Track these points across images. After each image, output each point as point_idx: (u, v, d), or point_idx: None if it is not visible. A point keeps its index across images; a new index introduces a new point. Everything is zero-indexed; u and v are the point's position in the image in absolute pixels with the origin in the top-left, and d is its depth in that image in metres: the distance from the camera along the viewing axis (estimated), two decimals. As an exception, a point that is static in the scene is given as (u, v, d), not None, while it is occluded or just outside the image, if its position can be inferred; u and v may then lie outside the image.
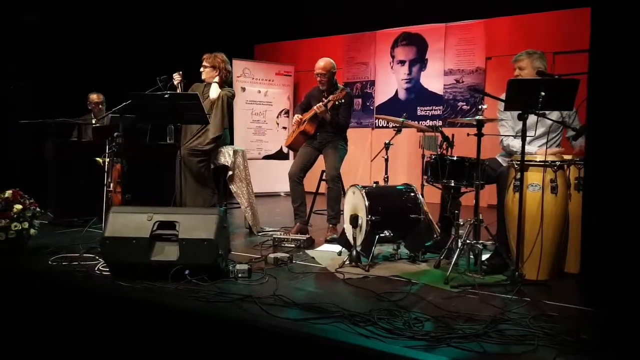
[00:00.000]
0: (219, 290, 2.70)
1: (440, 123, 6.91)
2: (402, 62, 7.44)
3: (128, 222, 2.90)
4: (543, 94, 2.71)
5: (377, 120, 7.63)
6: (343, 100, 4.11)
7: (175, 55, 6.49)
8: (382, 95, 7.61)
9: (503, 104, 3.39)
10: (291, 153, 8.12)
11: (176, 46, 6.75)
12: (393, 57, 7.51)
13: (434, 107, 7.21)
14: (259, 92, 7.80)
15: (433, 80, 7.20)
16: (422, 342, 2.06)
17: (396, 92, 7.52)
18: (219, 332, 2.35)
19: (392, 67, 7.53)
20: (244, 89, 7.65)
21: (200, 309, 2.46)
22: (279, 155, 8.05)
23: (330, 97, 4.15)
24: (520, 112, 2.79)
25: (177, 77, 4.16)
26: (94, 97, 5.65)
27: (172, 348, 2.44)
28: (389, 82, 7.57)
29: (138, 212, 2.95)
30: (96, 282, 2.90)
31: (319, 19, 7.67)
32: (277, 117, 8.04)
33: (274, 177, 7.71)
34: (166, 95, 3.59)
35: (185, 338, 2.40)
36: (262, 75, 7.88)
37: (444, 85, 7.11)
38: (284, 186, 8.05)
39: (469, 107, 6.94)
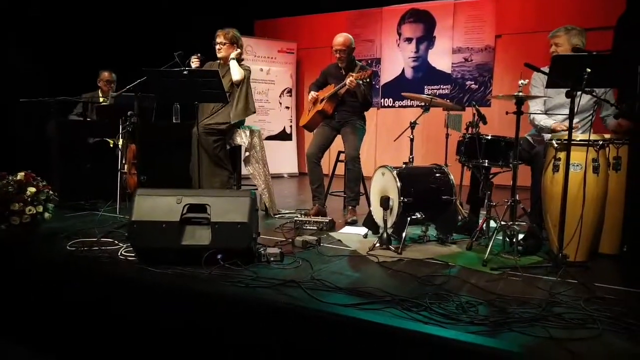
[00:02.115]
0: (256, 275, 2.60)
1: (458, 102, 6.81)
2: (409, 40, 7.30)
3: (156, 206, 2.77)
4: (589, 70, 2.61)
5: (382, 100, 7.51)
6: (368, 80, 3.98)
7: (174, 32, 6.31)
8: (388, 73, 7.48)
9: (537, 79, 3.32)
10: (294, 134, 7.99)
11: (175, 24, 6.54)
12: (400, 34, 7.37)
13: (441, 86, 7.10)
14: (261, 70, 7.62)
15: (441, 58, 7.09)
16: (482, 327, 1.99)
17: (403, 70, 7.39)
18: (263, 318, 2.25)
19: (398, 45, 7.39)
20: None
21: (240, 295, 2.35)
22: (282, 136, 7.91)
23: (356, 76, 4.00)
24: (563, 90, 2.70)
25: (195, 60, 3.98)
26: (105, 74, 5.43)
27: (210, 336, 2.35)
28: (396, 60, 7.43)
29: (165, 195, 2.82)
30: (123, 268, 2.77)
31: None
32: (280, 96, 7.87)
33: (278, 159, 7.58)
34: (185, 72, 3.44)
35: (226, 325, 2.30)
36: (264, 52, 7.69)
37: (452, 63, 7.01)
38: (287, 168, 7.96)
39: (477, 86, 6.84)
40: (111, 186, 4.24)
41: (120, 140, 3.93)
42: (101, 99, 5.32)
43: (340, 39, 4.22)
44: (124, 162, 3.96)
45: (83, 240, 3.28)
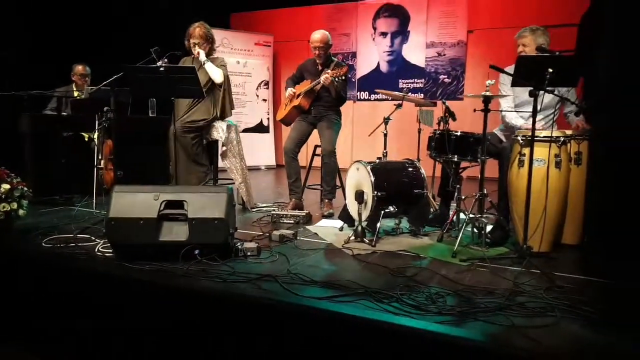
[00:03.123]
0: (233, 270, 2.66)
1: (426, 97, 6.93)
2: (384, 34, 7.39)
3: (133, 202, 2.80)
4: (550, 70, 2.73)
5: (358, 93, 7.60)
6: (343, 77, 4.05)
7: (149, 25, 6.27)
8: (364, 67, 7.56)
9: (506, 77, 3.44)
10: (271, 126, 8.03)
11: (150, 17, 6.49)
12: (375, 28, 7.45)
13: (415, 80, 7.22)
14: (238, 62, 7.62)
15: (415, 52, 7.20)
16: (450, 317, 2.10)
17: (378, 64, 7.48)
18: (241, 312, 2.32)
19: (374, 39, 7.48)
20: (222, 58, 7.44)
21: (218, 290, 2.41)
22: (259, 128, 7.94)
23: (331, 73, 4.06)
24: (528, 88, 2.82)
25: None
26: (79, 68, 5.36)
27: (188, 331, 2.41)
28: (371, 54, 7.52)
29: (143, 192, 2.85)
30: (100, 264, 2.80)
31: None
32: (257, 88, 7.89)
33: (255, 151, 7.62)
34: (162, 68, 3.46)
35: (205, 319, 2.37)
36: (240, 45, 7.69)
37: (426, 57, 7.12)
38: (264, 160, 8.01)
39: (450, 80, 6.98)
40: (87, 181, 4.22)
41: (97, 135, 3.92)
42: (75, 93, 5.26)
43: (317, 35, 4.27)
44: (100, 157, 3.96)
45: (59, 236, 3.28)
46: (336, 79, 4.06)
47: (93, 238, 3.24)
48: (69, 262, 2.85)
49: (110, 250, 2.91)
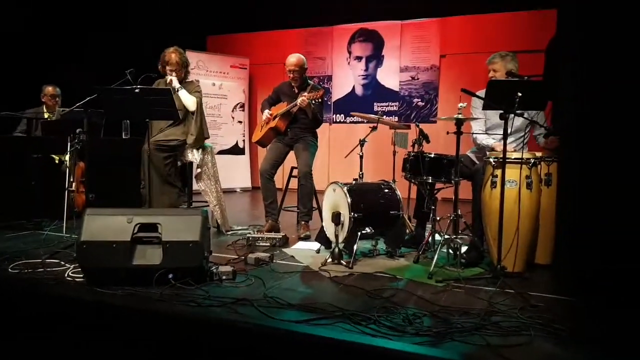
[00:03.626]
0: (207, 294, 2.62)
1: (399, 120, 7.03)
2: (359, 58, 7.51)
3: (106, 225, 2.75)
4: (520, 94, 2.81)
5: (334, 116, 7.67)
6: (320, 100, 4.09)
7: (126, 45, 6.25)
8: (339, 90, 7.66)
9: (477, 101, 3.52)
10: (247, 148, 8.03)
11: (127, 39, 6.48)
12: (350, 52, 7.57)
13: (390, 103, 7.33)
14: (214, 84, 7.62)
15: (389, 76, 7.33)
16: (427, 338, 2.10)
17: (353, 87, 7.58)
18: (216, 337, 2.28)
19: (349, 63, 7.59)
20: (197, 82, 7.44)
21: (193, 315, 2.37)
22: (235, 150, 7.92)
23: (308, 95, 4.09)
24: (499, 111, 2.90)
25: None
26: (49, 89, 5.27)
27: (162, 356, 2.35)
28: (346, 78, 7.62)
29: (116, 215, 2.81)
30: (70, 290, 2.73)
31: (274, 11, 7.59)
32: (233, 110, 7.89)
33: (230, 173, 7.58)
34: (136, 90, 3.43)
35: (181, 345, 2.31)
36: (216, 67, 7.70)
37: (400, 81, 7.25)
38: (240, 182, 7.97)
39: (424, 103, 7.11)
40: (56, 204, 4.12)
41: (68, 157, 3.85)
42: (46, 115, 5.18)
43: (293, 59, 4.31)
44: (72, 179, 3.88)
45: (27, 261, 3.18)
46: (313, 102, 4.09)
47: (63, 263, 3.17)
48: (37, 287, 2.76)
49: (81, 275, 2.84)
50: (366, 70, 7.46)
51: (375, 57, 7.39)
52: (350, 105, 7.35)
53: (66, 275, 2.93)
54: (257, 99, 7.94)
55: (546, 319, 2.31)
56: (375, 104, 7.39)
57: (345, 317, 2.30)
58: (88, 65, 5.88)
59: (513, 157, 3.08)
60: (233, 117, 7.91)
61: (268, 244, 3.85)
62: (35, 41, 6.06)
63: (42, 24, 6.13)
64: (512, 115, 2.84)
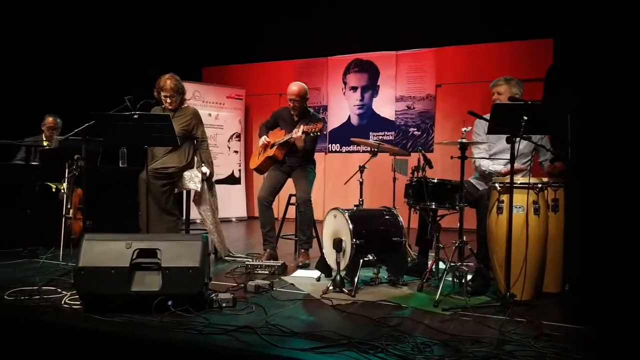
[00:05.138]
0: (208, 321, 2.53)
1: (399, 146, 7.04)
2: (354, 89, 7.57)
3: (105, 251, 2.67)
4: (526, 118, 2.81)
5: (330, 145, 7.68)
6: (319, 134, 4.06)
7: (123, 79, 6.26)
8: (335, 120, 7.68)
9: (479, 127, 3.52)
10: (242, 178, 7.98)
11: (124, 70, 6.51)
12: (345, 83, 7.63)
13: (386, 132, 7.35)
14: (210, 115, 7.62)
15: (385, 106, 7.37)
16: (439, 367, 2.02)
17: (349, 117, 7.61)
18: (218, 366, 2.19)
19: (344, 93, 7.64)
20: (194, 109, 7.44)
21: (194, 343, 2.28)
22: (231, 180, 7.86)
23: (306, 128, 4.05)
24: (503, 136, 2.88)
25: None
26: (50, 120, 5.28)
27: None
28: (342, 108, 7.66)
29: (114, 240, 2.73)
30: (68, 317, 2.62)
31: (270, 43, 7.68)
32: (229, 140, 7.88)
33: (226, 202, 7.48)
34: (135, 116, 3.40)
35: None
36: (212, 98, 7.73)
37: (396, 111, 7.30)
38: (236, 212, 7.89)
39: (420, 133, 7.14)
40: (53, 232, 4.04)
41: (66, 184, 3.78)
42: (45, 143, 5.15)
43: (294, 87, 4.27)
44: (69, 206, 3.80)
45: (23, 289, 3.07)
46: (311, 134, 4.06)
47: (59, 290, 3.06)
48: (33, 315, 2.66)
49: (79, 303, 2.74)
50: (362, 100, 7.51)
51: (371, 87, 7.45)
52: (346, 134, 7.36)
53: (63, 302, 2.83)
54: (253, 129, 7.94)
55: (561, 348, 2.23)
56: (371, 133, 7.41)
57: (351, 346, 2.22)
58: (88, 98, 5.88)
59: (519, 182, 3.05)
60: (229, 147, 7.89)
61: (267, 272, 3.77)
62: (38, 68, 6.07)
63: (42, 54, 6.15)
64: (519, 139, 2.82)
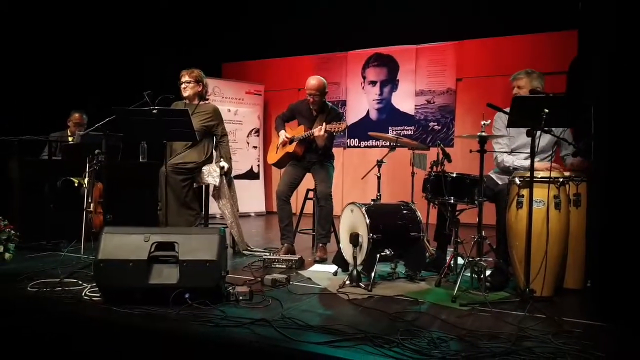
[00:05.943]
0: (225, 314, 2.55)
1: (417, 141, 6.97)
2: (373, 83, 7.52)
3: (123, 244, 2.71)
4: (547, 111, 2.74)
5: (348, 140, 7.65)
6: (341, 133, 4.04)
7: (144, 74, 6.34)
8: (353, 115, 7.65)
9: (500, 121, 3.46)
10: (261, 173, 8.01)
11: (145, 67, 6.59)
12: (364, 77, 7.58)
13: (405, 127, 7.29)
14: (229, 110, 7.66)
15: (404, 100, 7.31)
16: (455, 362, 2.00)
17: (367, 112, 7.57)
18: (234, 358, 2.20)
19: (363, 88, 7.60)
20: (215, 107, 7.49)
21: (210, 335, 2.30)
22: (250, 175, 7.90)
23: (329, 127, 4.03)
24: (524, 130, 2.83)
25: None
26: (76, 116, 5.39)
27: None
28: (361, 103, 7.62)
29: (133, 233, 2.77)
30: (88, 309, 2.67)
31: (288, 39, 7.67)
32: (248, 136, 7.92)
33: (244, 197, 7.52)
34: (154, 111, 3.44)
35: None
36: (231, 94, 7.76)
37: (415, 105, 7.23)
38: (254, 206, 7.93)
39: (440, 127, 7.06)
40: (74, 226, 4.12)
41: (87, 178, 3.85)
42: (70, 139, 5.24)
43: (313, 81, 4.23)
44: (89, 200, 3.87)
45: (45, 280, 3.14)
46: (334, 133, 4.05)
47: (80, 282, 3.12)
48: (55, 306, 2.72)
49: (98, 294, 2.78)
50: (381, 94, 7.46)
51: (390, 82, 7.40)
52: (364, 129, 7.32)
53: (83, 294, 2.88)
54: (272, 125, 7.94)
55: (583, 345, 2.19)
56: (390, 127, 7.35)
57: (367, 340, 2.21)
58: (110, 93, 5.97)
59: (540, 176, 2.99)
60: (248, 143, 7.92)
61: (284, 266, 3.77)
62: (66, 66, 6.19)
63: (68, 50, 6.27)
64: (539, 132, 2.76)
